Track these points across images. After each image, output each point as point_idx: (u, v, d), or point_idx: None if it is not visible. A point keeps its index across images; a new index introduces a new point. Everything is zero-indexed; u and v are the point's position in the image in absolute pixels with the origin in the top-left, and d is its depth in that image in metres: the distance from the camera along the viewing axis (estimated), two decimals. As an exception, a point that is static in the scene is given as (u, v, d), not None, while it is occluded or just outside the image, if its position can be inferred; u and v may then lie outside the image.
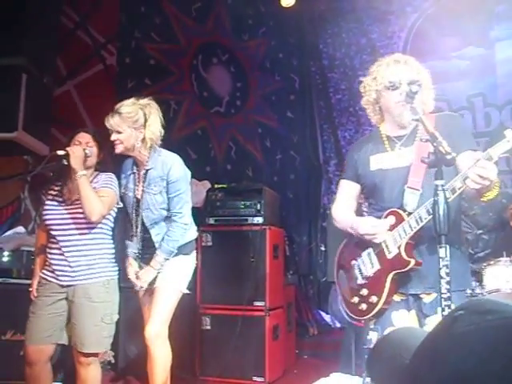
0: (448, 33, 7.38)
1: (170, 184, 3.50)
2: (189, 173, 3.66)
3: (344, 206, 2.87)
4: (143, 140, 3.48)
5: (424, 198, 2.45)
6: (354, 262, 2.70)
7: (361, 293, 2.61)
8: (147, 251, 3.63)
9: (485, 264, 4.56)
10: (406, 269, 2.46)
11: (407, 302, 2.56)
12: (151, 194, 3.54)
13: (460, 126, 2.66)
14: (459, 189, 2.26)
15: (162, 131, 3.55)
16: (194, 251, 3.80)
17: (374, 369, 1.80)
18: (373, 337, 2.61)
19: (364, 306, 2.59)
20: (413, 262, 2.44)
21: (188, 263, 3.72)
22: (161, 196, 3.52)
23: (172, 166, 3.51)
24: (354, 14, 8.19)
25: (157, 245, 3.55)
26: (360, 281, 2.64)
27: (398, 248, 2.49)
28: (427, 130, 2.10)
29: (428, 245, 2.48)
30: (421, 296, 2.53)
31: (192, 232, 3.75)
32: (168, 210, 3.55)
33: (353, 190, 2.85)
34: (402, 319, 2.55)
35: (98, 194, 3.31)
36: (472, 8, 6.93)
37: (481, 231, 5.64)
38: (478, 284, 4.54)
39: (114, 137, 3.45)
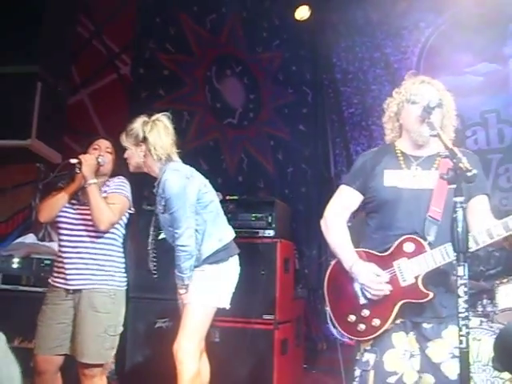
0: (461, 49, 7.36)
1: (166, 202, 3.40)
2: (190, 185, 3.46)
3: (341, 216, 2.73)
4: (146, 156, 3.47)
5: (442, 229, 2.39)
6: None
7: (361, 313, 2.54)
8: None
9: (497, 282, 4.51)
10: (421, 301, 2.42)
11: (405, 325, 2.51)
12: (160, 215, 3.52)
13: (478, 168, 2.58)
14: (498, 235, 2.28)
15: (167, 145, 3.47)
16: (228, 260, 3.57)
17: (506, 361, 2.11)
18: (369, 358, 2.52)
19: (363, 327, 2.52)
20: (431, 295, 2.39)
21: (217, 274, 3.51)
22: (168, 215, 3.44)
23: (165, 183, 3.38)
24: (368, 28, 8.19)
25: None
26: (362, 301, 2.55)
27: (416, 278, 2.43)
28: (446, 145, 2.07)
29: (433, 277, 2.44)
30: (419, 322, 2.50)
31: (211, 243, 3.52)
32: None
33: (354, 200, 2.73)
34: (402, 341, 2.50)
35: (109, 200, 3.30)
36: (486, 24, 6.92)
37: (493, 248, 5.58)
38: (489, 302, 4.49)
39: (125, 154, 3.52)
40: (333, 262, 2.74)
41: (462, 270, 1.91)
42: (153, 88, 6.61)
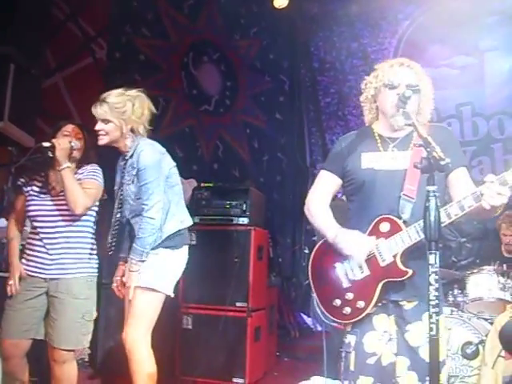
0: (438, 41, 7.42)
1: (139, 172, 3.29)
2: (164, 161, 3.41)
3: (322, 199, 2.76)
4: (131, 131, 3.36)
5: (417, 207, 2.41)
6: (338, 264, 2.61)
7: (345, 297, 2.55)
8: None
9: (468, 272, 4.57)
10: (401, 279, 2.43)
11: (387, 308, 2.53)
12: (126, 185, 3.39)
13: (453, 141, 2.63)
14: (469, 207, 2.29)
15: (146, 119, 3.41)
16: (185, 246, 3.48)
17: None
18: (351, 340, 2.56)
19: (348, 310, 2.54)
20: (410, 272, 2.41)
21: (171, 259, 3.40)
22: (133, 186, 3.34)
23: (141, 153, 3.29)
24: (347, 18, 8.19)
25: None
26: (346, 284, 2.57)
27: (394, 257, 2.45)
28: (420, 134, 2.08)
29: (413, 254, 2.45)
30: (400, 303, 2.51)
31: (173, 223, 3.42)
32: None
33: (333, 184, 2.76)
34: (383, 323, 2.53)
35: (83, 185, 3.27)
36: (462, 18, 6.96)
37: (464, 239, 5.66)
38: (460, 292, 4.56)
39: (99, 126, 3.31)
40: (314, 249, 2.76)
41: (433, 259, 1.93)
42: (128, 73, 6.53)
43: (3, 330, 3.24)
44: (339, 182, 2.74)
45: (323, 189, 2.79)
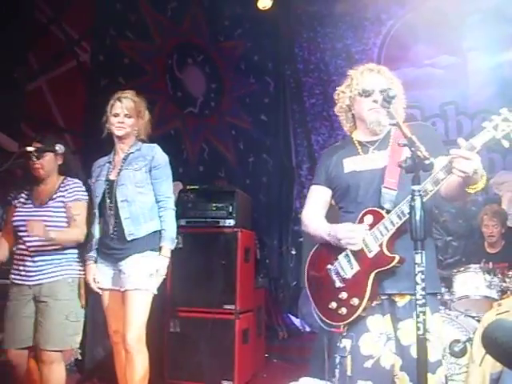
0: (422, 41, 7.45)
1: (159, 168, 3.56)
2: None
3: (316, 212, 2.83)
4: (139, 130, 3.65)
5: (399, 198, 2.45)
6: (329, 266, 2.62)
7: (340, 297, 2.55)
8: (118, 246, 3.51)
9: (455, 270, 4.59)
10: (389, 266, 2.43)
11: (382, 307, 2.53)
12: (131, 170, 3.52)
13: (432, 135, 2.68)
14: (442, 180, 2.29)
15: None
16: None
17: (493, 349, 2.48)
18: (346, 344, 2.54)
19: (344, 310, 2.53)
20: (397, 257, 2.41)
21: (155, 260, 3.54)
22: (141, 174, 3.52)
23: (158, 151, 3.61)
24: (331, 18, 8.22)
25: (126, 231, 3.44)
26: (338, 284, 2.57)
27: (380, 246, 2.46)
28: (405, 134, 2.09)
29: (404, 244, 2.43)
30: (395, 299, 2.51)
31: (156, 222, 3.58)
32: (154, 195, 3.56)
33: (324, 195, 2.82)
34: (378, 324, 2.52)
35: (72, 210, 3.39)
36: (446, 18, 7.00)
37: (450, 238, 5.69)
38: (447, 290, 4.58)
39: (122, 119, 3.53)
40: (308, 258, 2.79)
41: (419, 258, 1.93)
42: (112, 76, 6.50)
43: (6, 340, 3.35)
44: (329, 192, 2.81)
45: (315, 203, 2.85)
